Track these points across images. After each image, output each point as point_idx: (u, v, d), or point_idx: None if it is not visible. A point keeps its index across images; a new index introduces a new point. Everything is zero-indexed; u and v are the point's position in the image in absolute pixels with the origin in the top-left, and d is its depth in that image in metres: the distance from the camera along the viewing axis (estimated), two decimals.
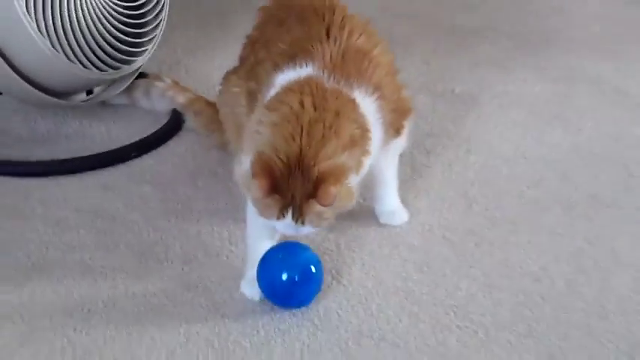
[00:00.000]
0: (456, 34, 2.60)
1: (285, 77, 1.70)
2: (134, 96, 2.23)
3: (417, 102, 2.04)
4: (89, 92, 2.17)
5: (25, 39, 1.92)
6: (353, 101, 1.67)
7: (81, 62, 2.01)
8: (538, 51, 2.52)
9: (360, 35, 1.78)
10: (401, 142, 1.83)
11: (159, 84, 2.21)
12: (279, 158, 1.57)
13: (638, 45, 2.55)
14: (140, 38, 2.13)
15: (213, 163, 2.06)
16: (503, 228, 1.88)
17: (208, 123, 2.10)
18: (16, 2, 1.89)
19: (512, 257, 1.80)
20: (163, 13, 2.16)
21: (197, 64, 2.44)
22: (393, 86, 1.81)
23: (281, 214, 1.59)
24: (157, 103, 2.21)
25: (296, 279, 1.63)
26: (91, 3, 2.00)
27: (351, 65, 1.72)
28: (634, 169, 2.06)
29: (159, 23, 2.15)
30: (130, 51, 2.11)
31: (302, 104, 1.61)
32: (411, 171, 2.00)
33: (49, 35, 1.95)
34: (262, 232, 1.69)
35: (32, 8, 1.92)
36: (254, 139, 1.63)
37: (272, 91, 1.69)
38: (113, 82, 2.17)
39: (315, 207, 1.57)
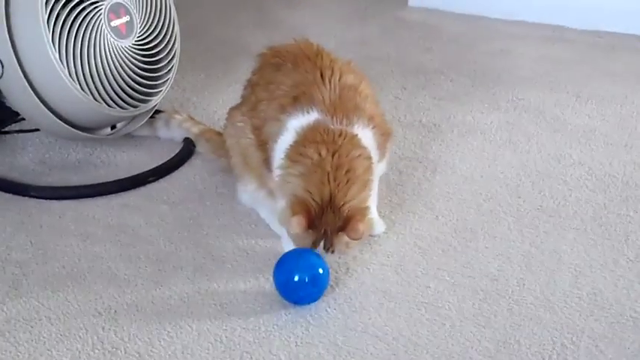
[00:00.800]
0: (420, 73, 2.60)
1: (297, 123, 1.72)
2: (156, 126, 2.22)
3: None
4: (113, 127, 2.16)
5: (59, 84, 1.92)
6: (356, 136, 1.70)
7: (106, 102, 2.00)
8: (490, 87, 2.53)
9: (348, 73, 1.79)
10: (382, 167, 1.84)
11: (177, 117, 2.21)
12: (314, 200, 1.61)
13: (573, 81, 2.56)
14: (155, 81, 2.13)
15: (219, 185, 2.05)
16: (464, 236, 1.88)
17: (216, 149, 2.10)
18: (50, 53, 1.89)
19: (473, 260, 1.80)
20: (175, 60, 2.16)
21: (204, 102, 2.43)
22: (379, 112, 1.83)
23: (314, 245, 1.63)
24: (175, 132, 2.21)
25: (306, 280, 1.63)
26: (114, 53, 2.00)
27: (347, 102, 1.74)
28: (572, 184, 2.06)
29: (171, 68, 2.16)
30: (147, 92, 2.10)
31: (320, 154, 1.65)
32: (386, 189, 1.99)
33: (78, 80, 1.94)
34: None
35: (64, 57, 1.91)
36: (286, 187, 1.67)
37: (287, 136, 1.72)
38: (133, 118, 2.17)
39: (344, 239, 1.63)
